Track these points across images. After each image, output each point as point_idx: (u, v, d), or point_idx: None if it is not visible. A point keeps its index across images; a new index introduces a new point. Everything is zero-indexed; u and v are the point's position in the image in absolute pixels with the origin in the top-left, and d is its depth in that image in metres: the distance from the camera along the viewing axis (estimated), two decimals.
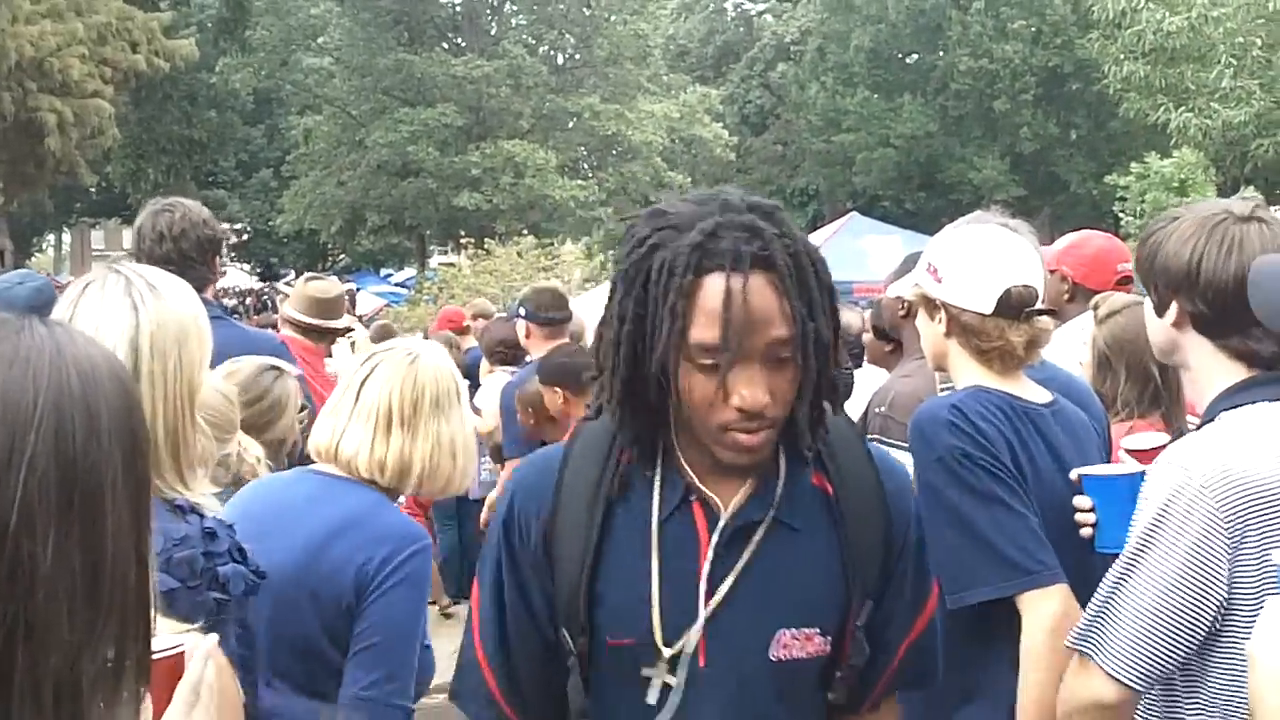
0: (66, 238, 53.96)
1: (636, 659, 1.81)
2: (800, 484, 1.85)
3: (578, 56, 36.68)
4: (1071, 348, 3.66)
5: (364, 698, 2.56)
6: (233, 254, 49.43)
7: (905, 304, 3.38)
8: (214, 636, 1.42)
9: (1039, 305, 2.61)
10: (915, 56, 38.77)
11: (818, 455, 1.85)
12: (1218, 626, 2.02)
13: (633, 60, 35.21)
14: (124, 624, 1.01)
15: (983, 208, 2.91)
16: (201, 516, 1.98)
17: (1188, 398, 3.27)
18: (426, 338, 10.48)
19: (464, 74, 32.76)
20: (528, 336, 5.94)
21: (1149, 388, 3.36)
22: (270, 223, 41.18)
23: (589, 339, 8.41)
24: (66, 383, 0.98)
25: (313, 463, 2.86)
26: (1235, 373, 2.18)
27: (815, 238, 16.70)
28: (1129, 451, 2.72)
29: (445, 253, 40.96)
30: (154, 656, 1.10)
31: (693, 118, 35.04)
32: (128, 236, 4.00)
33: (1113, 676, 2.06)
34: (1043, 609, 2.41)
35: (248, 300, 32.10)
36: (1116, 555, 2.16)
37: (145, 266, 2.17)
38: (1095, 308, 3.59)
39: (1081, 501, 2.45)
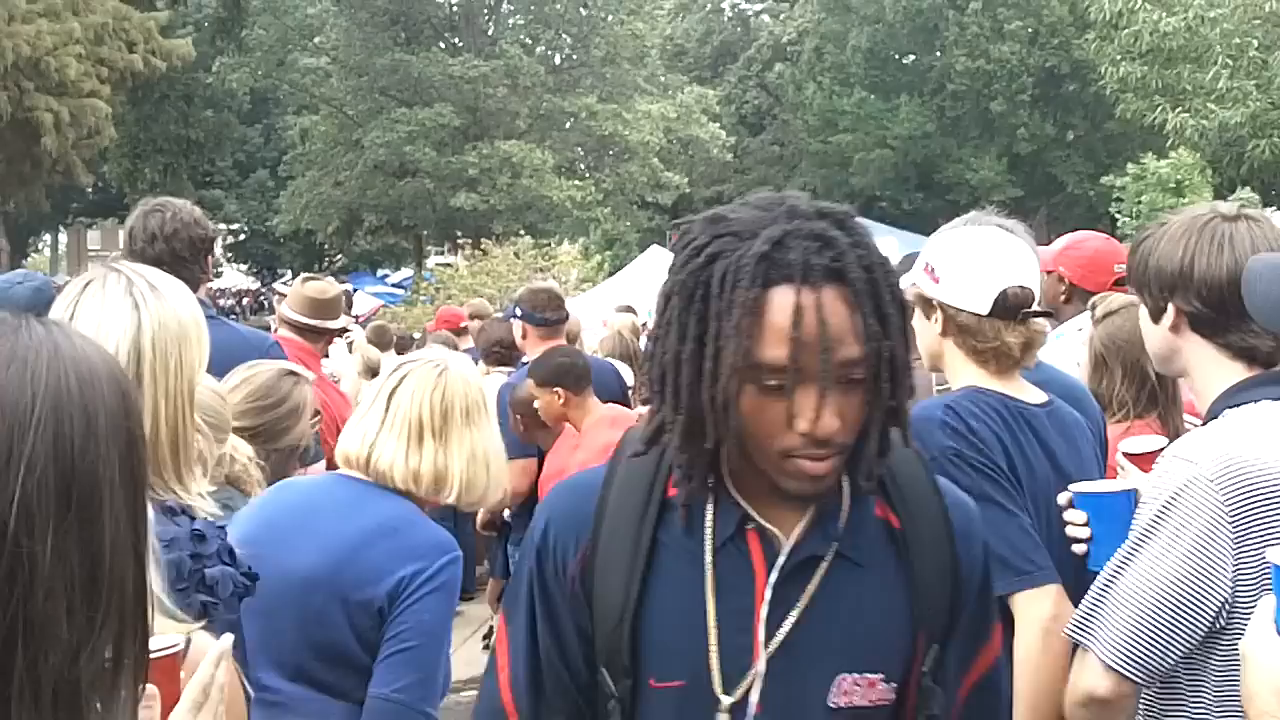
0: (63, 238, 53.96)
1: (685, 703, 1.65)
2: (864, 515, 1.69)
3: (575, 57, 36.69)
4: (1069, 348, 3.66)
5: (395, 700, 2.59)
6: (229, 254, 49.47)
7: None
8: (229, 638, 1.42)
9: (1035, 307, 2.62)
10: (912, 57, 38.81)
11: (881, 484, 1.69)
12: (1221, 623, 2.01)
13: (630, 60, 35.23)
14: (122, 623, 1.01)
15: (979, 208, 2.91)
16: (191, 518, 1.97)
17: (1187, 400, 3.27)
18: (424, 338, 10.49)
19: (461, 74, 32.78)
20: (524, 337, 5.93)
21: (1145, 388, 3.35)
22: (267, 223, 41.20)
23: (585, 340, 8.43)
24: (64, 383, 0.98)
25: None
26: (1236, 371, 2.18)
27: None
28: (1126, 455, 2.72)
29: (442, 253, 40.99)
30: (151, 655, 1.10)
31: (690, 118, 35.05)
32: (124, 237, 4.00)
33: (1110, 667, 2.05)
34: (1035, 609, 2.41)
35: (244, 301, 32.07)
36: None
37: (144, 266, 2.16)
38: (1093, 308, 3.59)
39: (1075, 516, 2.42)
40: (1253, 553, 1.99)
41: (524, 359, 5.93)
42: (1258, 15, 21.95)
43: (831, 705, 1.63)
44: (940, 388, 2.95)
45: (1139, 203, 21.93)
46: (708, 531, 1.66)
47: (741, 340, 1.51)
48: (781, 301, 1.50)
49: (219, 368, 2.23)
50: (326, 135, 36.00)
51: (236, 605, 2.02)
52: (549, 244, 25.16)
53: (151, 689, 1.19)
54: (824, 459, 1.56)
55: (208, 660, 1.34)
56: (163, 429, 1.97)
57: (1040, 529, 2.49)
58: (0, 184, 28.42)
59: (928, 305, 2.71)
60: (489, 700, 1.78)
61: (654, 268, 17.63)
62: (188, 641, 1.44)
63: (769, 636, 1.62)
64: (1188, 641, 2.03)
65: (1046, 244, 4.44)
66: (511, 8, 37.91)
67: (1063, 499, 2.42)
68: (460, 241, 35.01)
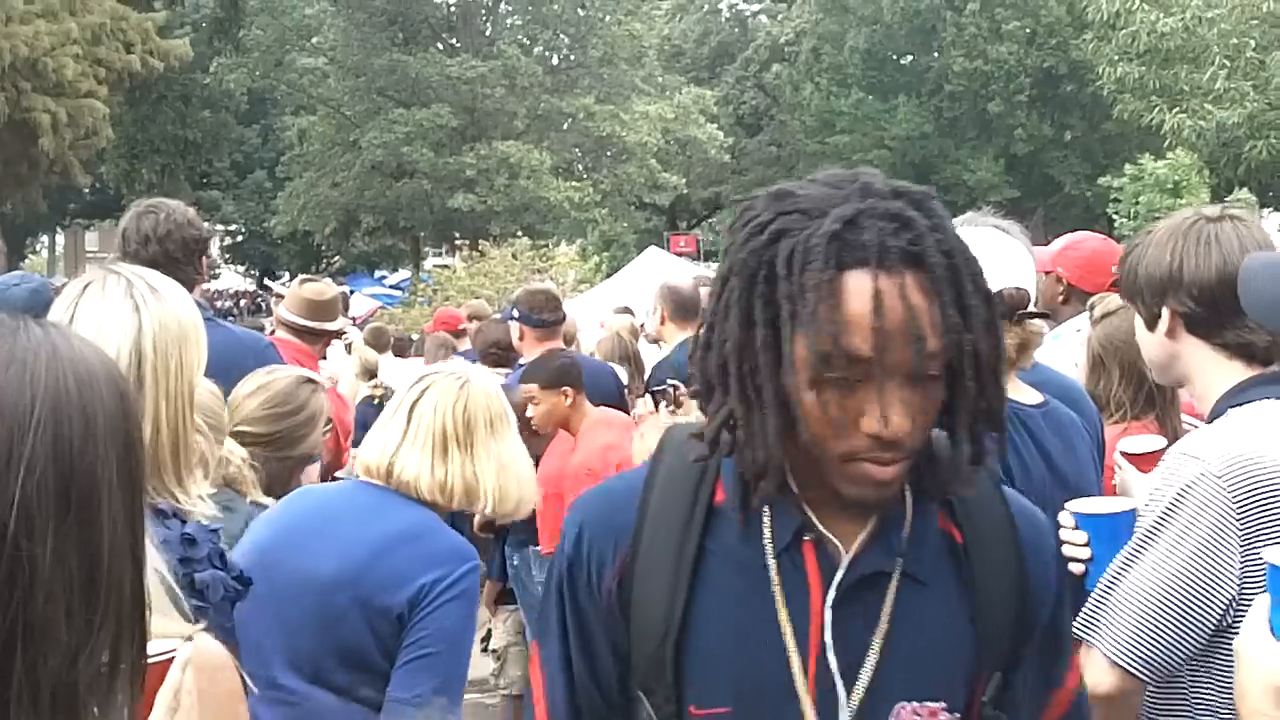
0: (60, 239, 53.93)
1: None
2: (927, 527, 1.53)
3: (572, 57, 36.70)
4: (1067, 349, 3.66)
5: (414, 705, 2.61)
6: (227, 255, 49.47)
7: None
8: (190, 645, 1.42)
9: (1031, 308, 2.61)
10: (910, 58, 38.85)
11: (944, 493, 1.54)
12: (1228, 621, 2.01)
13: (627, 61, 35.25)
14: (119, 626, 1.01)
15: (976, 209, 2.92)
16: (182, 522, 1.96)
17: (1185, 401, 3.27)
18: (422, 339, 10.50)
19: (458, 74, 32.79)
20: (520, 339, 5.93)
21: (1143, 389, 3.35)
22: (264, 224, 41.18)
23: (581, 341, 8.42)
24: (63, 384, 0.98)
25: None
26: (1235, 370, 2.19)
27: None
28: (1125, 455, 2.72)
29: (440, 255, 40.99)
30: (149, 660, 1.10)
31: (687, 119, 35.07)
32: (118, 238, 3.99)
33: (1115, 664, 2.05)
34: None
35: (242, 302, 32.03)
36: None
37: (142, 268, 2.17)
38: (1091, 309, 3.59)
39: (1076, 537, 2.36)
40: (1260, 550, 1.99)
41: (521, 360, 5.93)
42: (1255, 16, 21.98)
43: None
44: None
45: (1136, 203, 21.97)
46: (766, 539, 1.50)
47: (820, 327, 1.35)
48: (858, 286, 1.35)
49: (214, 369, 2.23)
50: (324, 136, 36.01)
51: (229, 609, 2.01)
52: (546, 245, 25.14)
53: None
54: (890, 463, 1.40)
55: (175, 665, 1.34)
56: (163, 431, 1.97)
57: None
58: None
59: None
60: None
61: (651, 269, 17.63)
62: (188, 640, 1.44)
63: (814, 654, 1.46)
64: (1195, 639, 2.03)
65: (1044, 245, 4.44)
66: (509, 8, 37.93)
67: (1065, 519, 2.39)
68: (458, 243, 35.00)
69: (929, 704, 1.48)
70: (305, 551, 2.68)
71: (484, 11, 37.87)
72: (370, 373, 8.77)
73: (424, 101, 33.17)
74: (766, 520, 1.50)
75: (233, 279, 51.61)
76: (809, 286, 1.35)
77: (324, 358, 6.05)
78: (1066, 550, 2.40)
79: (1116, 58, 23.80)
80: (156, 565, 1.32)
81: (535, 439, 5.25)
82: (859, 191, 1.41)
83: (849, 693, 1.46)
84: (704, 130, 35.29)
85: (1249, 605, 1.96)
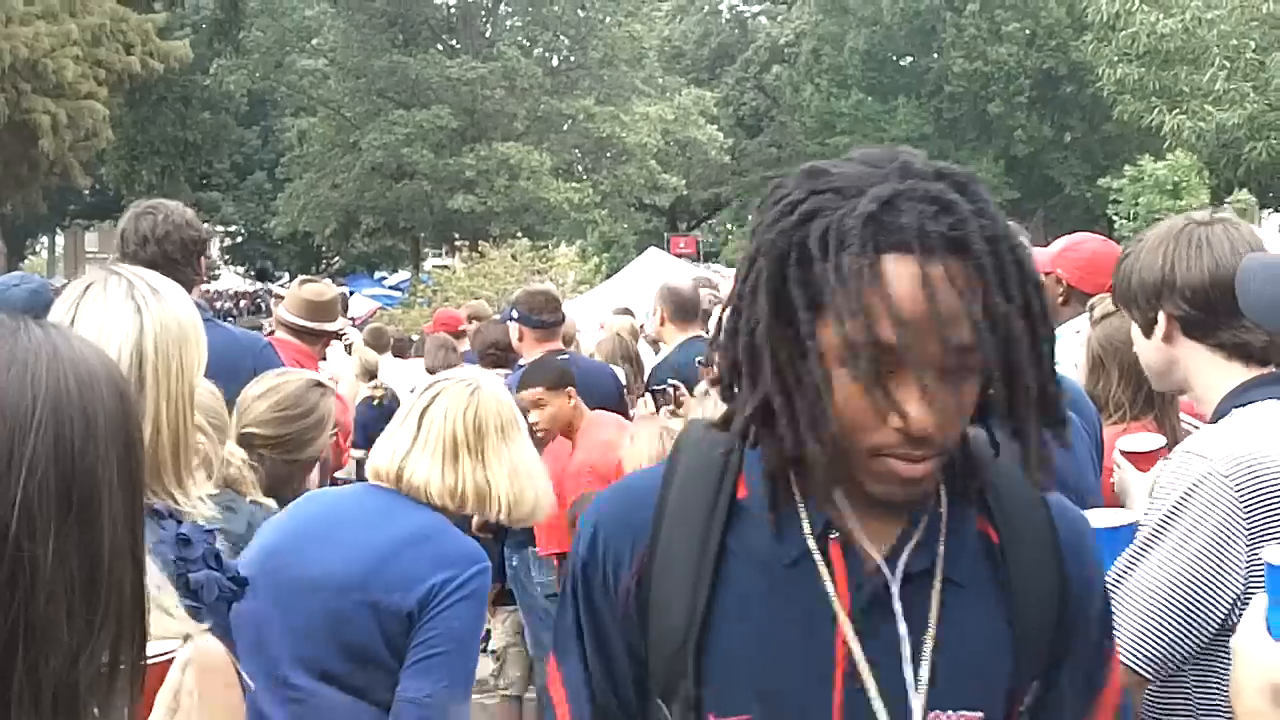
0: (60, 240, 53.95)
1: None
2: (964, 528, 1.45)
3: (572, 59, 36.72)
4: (1066, 350, 3.66)
5: (422, 704, 2.64)
6: (227, 256, 49.47)
7: None
8: (191, 645, 1.42)
9: None
10: (909, 59, 38.88)
11: (979, 492, 1.46)
12: (1233, 620, 2.00)
13: (627, 62, 35.26)
14: (119, 626, 1.01)
15: None
16: (178, 522, 1.96)
17: (1184, 401, 3.27)
18: (422, 340, 10.50)
19: (458, 76, 32.81)
20: (520, 339, 5.92)
21: (1142, 390, 3.35)
22: (264, 225, 41.21)
23: (581, 342, 8.43)
24: (64, 385, 0.98)
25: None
26: (1235, 371, 2.20)
27: None
28: (1124, 453, 2.72)
29: (439, 255, 41.01)
30: (150, 661, 1.10)
31: (687, 120, 35.09)
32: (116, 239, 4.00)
33: (1120, 661, 2.05)
34: None
35: (241, 303, 32.02)
36: None
37: (143, 269, 2.17)
38: (1090, 310, 3.60)
39: None
40: (1273, 545, 2.00)
41: (520, 361, 5.93)
42: (1255, 17, 21.99)
43: None
44: None
45: (1136, 204, 21.98)
46: (791, 537, 1.42)
47: (852, 314, 1.26)
48: (894, 273, 1.26)
49: (212, 369, 2.24)
50: (324, 137, 36.03)
51: (225, 610, 2.01)
52: (546, 246, 25.16)
53: None
54: (920, 460, 1.32)
55: (176, 665, 1.34)
56: (164, 431, 1.97)
57: None
58: None
59: None
60: None
61: (651, 270, 17.63)
62: (187, 638, 1.44)
63: (877, 668, 1.38)
64: (1200, 637, 2.03)
65: (1044, 246, 4.44)
66: (509, 9, 37.95)
67: None
68: (457, 244, 35.02)
69: (966, 713, 1.40)
70: (315, 553, 2.72)
71: (484, 13, 37.89)
72: (370, 374, 8.77)
73: (424, 103, 33.18)
74: (792, 517, 1.43)
75: (232, 280, 51.61)
76: (847, 271, 1.26)
77: (324, 358, 6.05)
78: None
79: (1116, 59, 23.81)
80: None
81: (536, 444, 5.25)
82: (898, 171, 1.33)
83: (884, 700, 1.37)
84: (704, 131, 35.30)
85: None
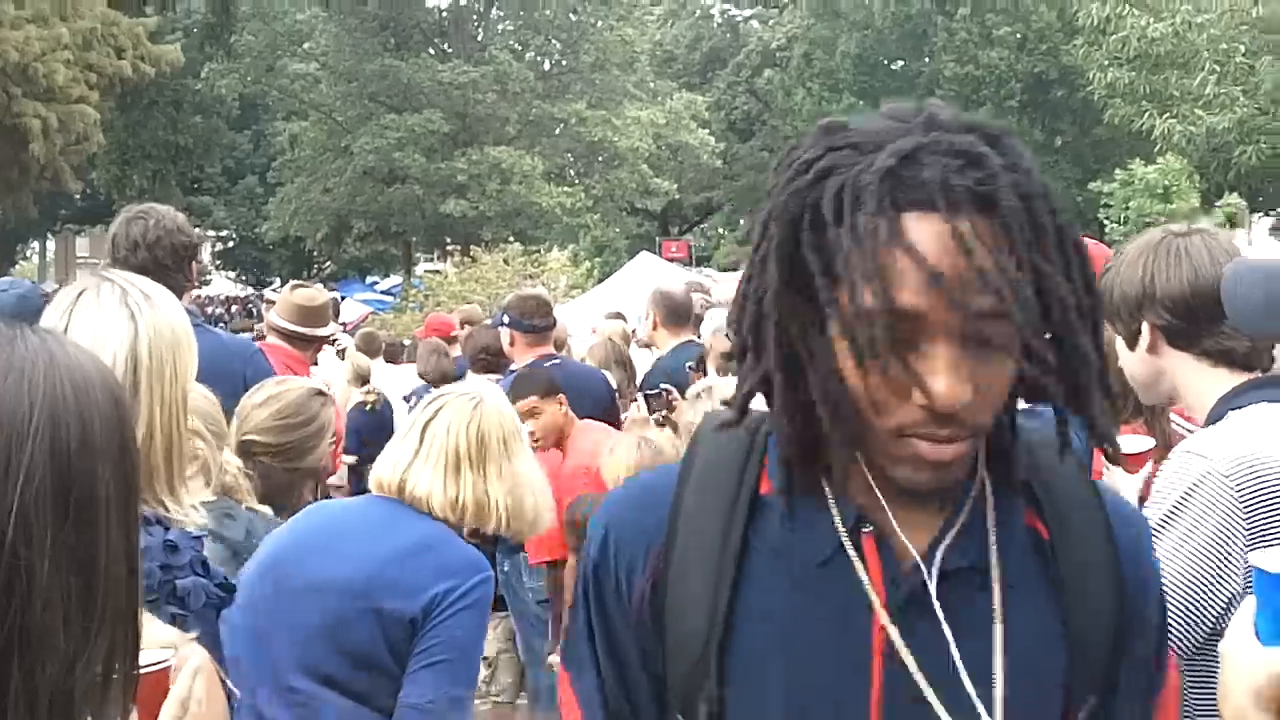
0: (50, 244, 53.81)
1: None
2: (1012, 521, 1.32)
3: (564, 63, 36.72)
4: None
5: (428, 709, 2.68)
6: (218, 261, 49.39)
7: None
8: (203, 652, 1.42)
9: None
10: (901, 63, 38.93)
11: (1027, 484, 1.33)
12: (1227, 622, 2.03)
13: (619, 66, 35.26)
14: (115, 633, 1.01)
15: None
16: (165, 528, 1.95)
17: (1177, 405, 3.29)
18: (414, 345, 10.49)
19: (450, 80, 32.79)
20: (511, 344, 5.91)
21: (1133, 393, 3.37)
22: (256, 230, 41.14)
23: (573, 347, 8.43)
24: (61, 391, 0.99)
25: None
26: (1221, 377, 2.23)
27: None
28: None
29: (431, 260, 40.98)
30: (143, 670, 1.10)
31: (679, 124, 35.10)
32: (107, 245, 4.00)
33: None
34: None
35: (233, 308, 31.94)
36: None
37: (134, 274, 2.17)
38: None
39: None
40: (1262, 548, 2.02)
41: (511, 366, 5.92)
42: (1244, 21, 22.04)
43: None
44: None
45: (1127, 208, 22.01)
46: (821, 533, 1.29)
47: (868, 279, 1.15)
48: (915, 231, 1.15)
49: (202, 374, 2.24)
50: (315, 141, 35.99)
51: (213, 617, 2.01)
52: (538, 250, 25.16)
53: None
54: (947, 441, 1.19)
55: (184, 673, 1.34)
56: (158, 437, 1.98)
57: None
58: None
59: None
60: None
61: (643, 274, 17.65)
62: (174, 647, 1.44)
63: (882, 667, 1.26)
64: (1197, 637, 2.05)
65: None
66: (501, 14, 37.96)
67: None
68: (449, 248, 35.01)
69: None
70: (319, 559, 2.76)
71: (476, 17, 37.88)
72: (363, 379, 8.77)
73: (416, 107, 33.16)
74: (822, 511, 1.30)
75: (224, 285, 51.53)
76: (862, 231, 1.15)
77: (315, 363, 6.05)
78: None
79: (1107, 63, 23.85)
80: None
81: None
82: (922, 124, 1.21)
83: (934, 690, 1.25)
84: (696, 135, 35.31)
85: None
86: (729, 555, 1.30)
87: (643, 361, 7.25)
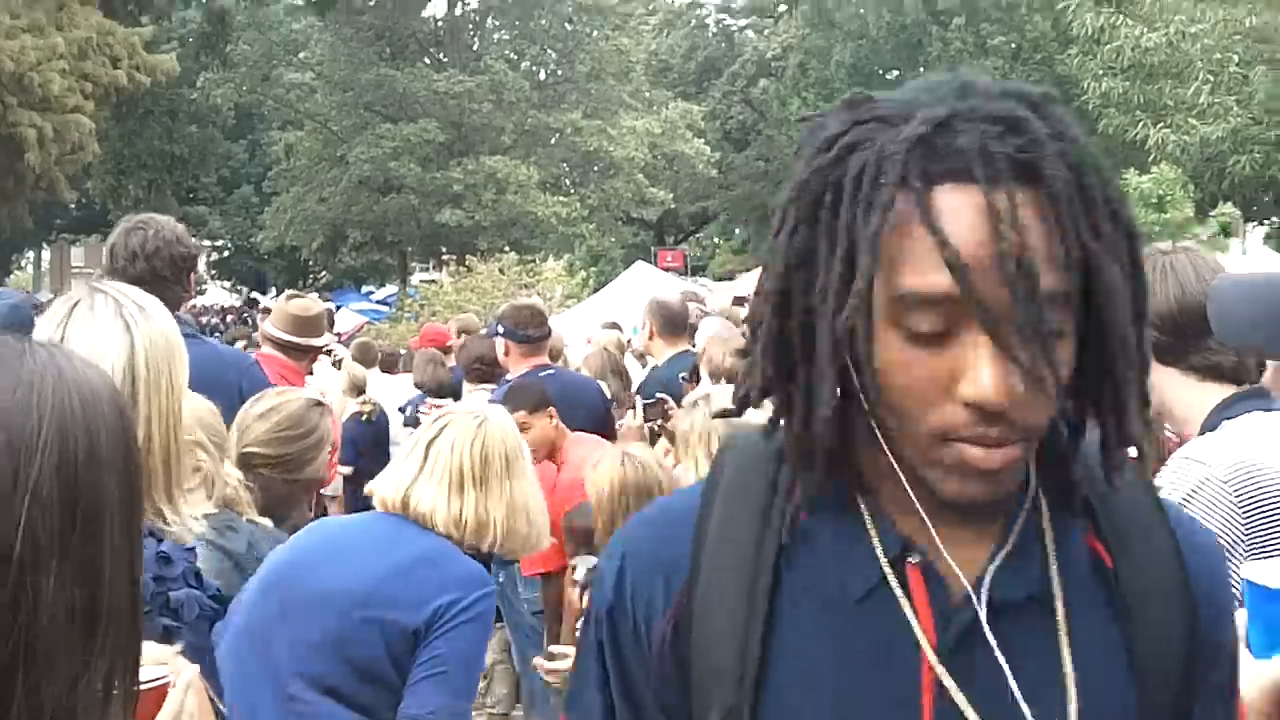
0: (46, 254, 53.79)
1: None
2: (1071, 544, 1.17)
3: (559, 72, 36.77)
4: None
5: (428, 719, 2.69)
6: (214, 271, 49.38)
7: None
8: (195, 666, 1.42)
9: None
10: (896, 73, 38.98)
11: (1087, 503, 1.17)
12: None
13: (614, 76, 35.31)
14: (117, 649, 1.01)
15: None
16: (159, 540, 1.95)
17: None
18: (409, 355, 10.48)
19: (446, 89, 32.81)
20: (506, 354, 5.90)
21: None
22: (251, 239, 41.14)
23: (569, 357, 8.42)
24: (68, 405, 1.00)
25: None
26: (1210, 391, 2.25)
27: None
28: None
29: (427, 270, 40.96)
30: (143, 687, 1.10)
31: (674, 133, 35.15)
32: (105, 255, 3.99)
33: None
34: None
35: (228, 318, 31.89)
36: None
37: (126, 286, 2.17)
38: None
39: None
40: (1260, 554, 2.03)
41: (506, 376, 5.91)
42: (1238, 31, 22.09)
43: None
44: None
45: None
46: (860, 562, 1.14)
47: (898, 261, 1.02)
48: (954, 205, 1.01)
49: (197, 385, 2.24)
50: (311, 151, 36.00)
51: (206, 629, 2.01)
52: (534, 260, 25.16)
53: None
54: (997, 444, 1.04)
55: (178, 687, 1.34)
56: (155, 448, 1.98)
57: None
58: None
59: None
60: None
61: (639, 284, 17.65)
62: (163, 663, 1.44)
63: (933, 708, 1.11)
64: None
65: None
66: (496, 23, 38.00)
67: None
68: (445, 258, 35.00)
69: None
70: (323, 571, 2.78)
71: (471, 27, 37.93)
72: (359, 389, 8.75)
73: (411, 116, 33.18)
74: (858, 534, 1.15)
75: (219, 294, 51.50)
76: (876, 206, 1.02)
77: (310, 373, 6.04)
78: None
79: (1101, 73, 23.89)
80: None
81: None
82: (956, 91, 1.07)
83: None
84: (691, 145, 35.36)
85: None
86: (760, 591, 1.15)
87: (637, 372, 7.25)
